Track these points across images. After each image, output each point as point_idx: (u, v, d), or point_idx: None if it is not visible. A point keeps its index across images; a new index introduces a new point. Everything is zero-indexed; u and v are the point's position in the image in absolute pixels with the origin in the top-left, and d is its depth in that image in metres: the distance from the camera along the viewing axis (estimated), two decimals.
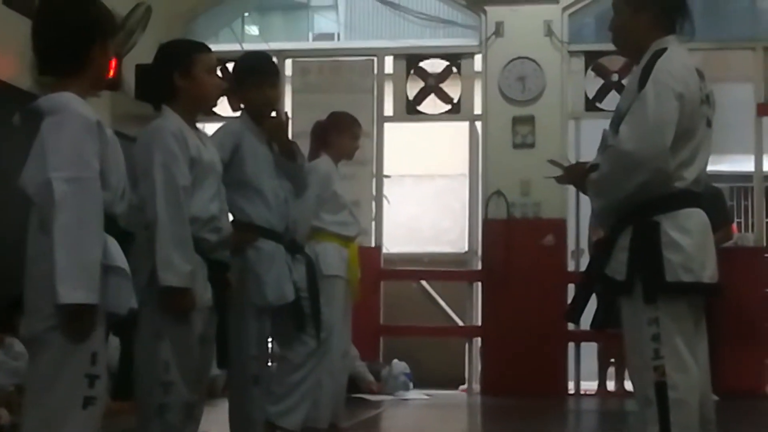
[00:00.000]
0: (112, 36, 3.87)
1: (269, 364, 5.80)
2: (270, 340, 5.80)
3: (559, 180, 4.43)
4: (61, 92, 3.65)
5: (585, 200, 4.39)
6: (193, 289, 4.43)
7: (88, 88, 3.78)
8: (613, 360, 10.34)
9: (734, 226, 10.96)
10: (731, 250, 9.57)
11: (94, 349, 3.53)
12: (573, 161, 4.86)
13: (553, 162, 4.45)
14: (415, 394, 10.19)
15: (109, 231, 3.60)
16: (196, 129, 4.76)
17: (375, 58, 10.89)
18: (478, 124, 10.80)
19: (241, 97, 5.66)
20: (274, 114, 5.64)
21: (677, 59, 3.98)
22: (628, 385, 9.82)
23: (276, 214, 5.45)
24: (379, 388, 9.91)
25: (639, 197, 3.91)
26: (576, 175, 4.27)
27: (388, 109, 10.77)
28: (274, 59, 6.02)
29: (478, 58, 10.74)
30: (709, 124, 4.05)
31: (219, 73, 9.93)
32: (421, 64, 10.85)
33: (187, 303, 4.42)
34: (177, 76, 4.68)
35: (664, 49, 4.00)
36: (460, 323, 11.56)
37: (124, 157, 4.02)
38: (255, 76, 5.62)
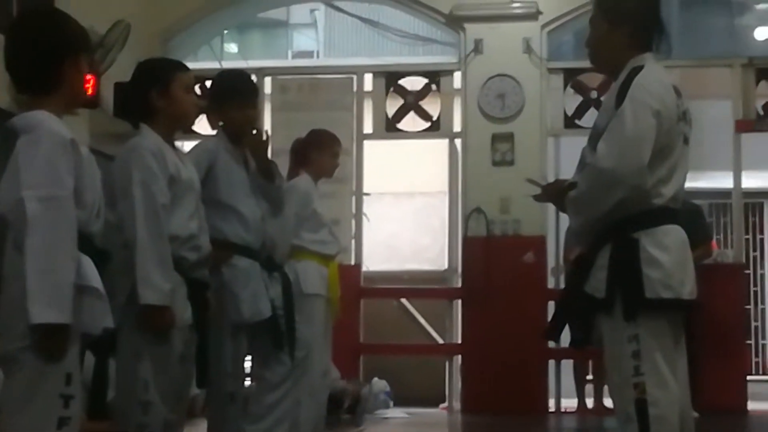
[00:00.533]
0: (86, 53, 3.85)
1: (247, 382, 5.77)
2: (249, 359, 5.78)
3: (538, 198, 4.44)
4: (36, 111, 3.64)
5: (565, 217, 4.39)
6: (173, 308, 4.42)
7: (63, 107, 3.77)
8: (590, 377, 10.33)
9: (714, 242, 10.99)
10: (711, 266, 9.59)
11: (69, 370, 3.51)
12: (551, 179, 4.85)
13: (530, 181, 4.46)
14: (396, 413, 10.17)
15: (85, 250, 3.59)
16: (175, 147, 4.76)
17: (354, 76, 10.88)
18: (458, 142, 10.80)
19: (219, 116, 5.64)
20: (254, 132, 5.63)
21: (654, 76, 3.99)
22: (607, 402, 9.87)
23: (252, 232, 5.44)
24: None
25: (617, 214, 3.91)
26: (554, 193, 4.27)
27: (368, 127, 10.77)
28: (253, 77, 6.02)
29: (457, 76, 10.75)
30: (686, 141, 4.07)
31: (198, 91, 9.95)
32: (401, 81, 10.86)
33: (167, 321, 4.41)
34: (155, 95, 4.68)
35: (641, 67, 4.01)
36: (440, 341, 11.55)
37: (103, 175, 4.01)
38: (234, 95, 5.60)
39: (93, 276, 3.60)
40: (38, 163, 3.49)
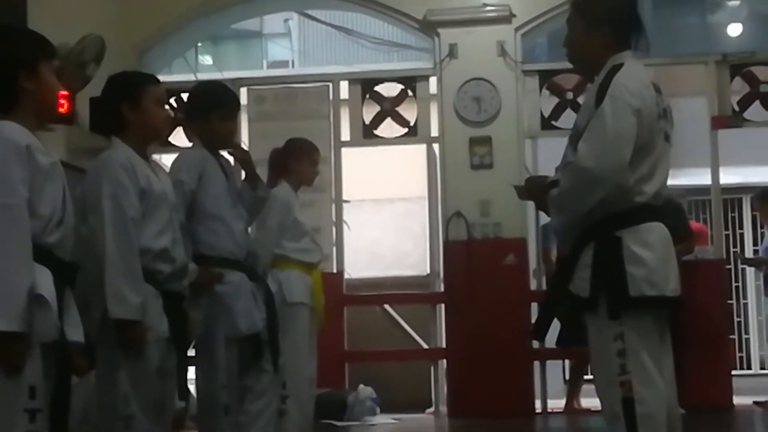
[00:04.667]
0: (46, 63, 3.78)
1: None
2: None
3: (521, 195, 4.44)
4: None
5: (545, 219, 4.40)
6: (145, 321, 4.41)
7: (32, 119, 3.72)
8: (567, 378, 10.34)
9: (706, 234, 11.02)
10: (692, 263, 9.62)
11: (32, 383, 3.48)
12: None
13: (515, 186, 4.48)
14: (383, 419, 10.15)
15: (41, 261, 3.54)
16: (148, 160, 4.74)
17: (330, 84, 10.87)
18: (436, 147, 10.81)
19: (200, 128, 5.61)
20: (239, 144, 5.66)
21: (634, 75, 4.00)
22: (585, 402, 9.89)
23: (239, 243, 5.45)
24: None
25: (600, 213, 3.92)
26: (536, 190, 4.27)
27: (345, 134, 10.76)
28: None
29: (433, 81, 10.76)
30: (667, 138, 4.08)
31: (174, 103, 9.91)
32: (377, 88, 10.85)
33: (139, 335, 4.39)
34: (126, 108, 4.66)
35: (621, 65, 4.02)
36: (425, 346, 11.54)
37: (80, 190, 3.98)
38: (216, 107, 5.57)
39: (44, 286, 3.54)
40: None
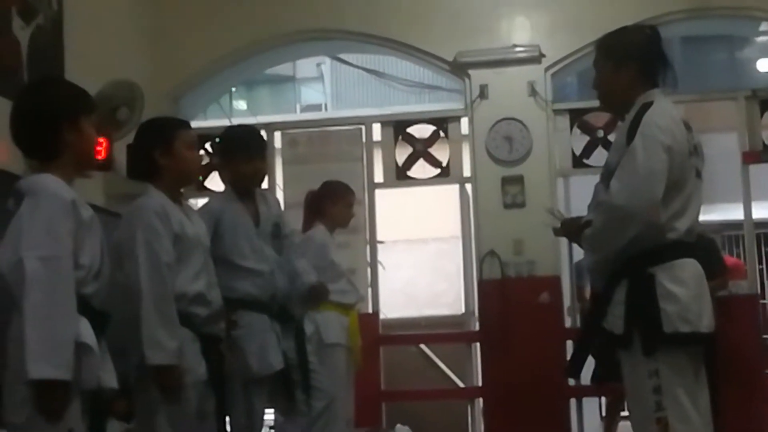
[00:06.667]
0: (86, 116, 3.89)
1: None
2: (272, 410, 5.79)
3: (556, 232, 4.49)
4: (41, 174, 3.73)
5: (578, 257, 4.44)
6: (182, 365, 4.45)
7: (71, 170, 3.84)
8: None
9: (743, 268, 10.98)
10: (726, 298, 9.59)
11: (70, 425, 3.56)
12: (566, 216, 4.88)
13: (550, 211, 4.51)
14: None
15: (80, 310, 3.62)
16: (181, 204, 4.80)
17: (363, 127, 10.92)
18: (468, 186, 10.84)
19: (228, 172, 5.69)
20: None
21: (664, 112, 4.04)
22: None
23: (259, 285, 5.45)
24: None
25: (633, 250, 3.95)
26: (571, 230, 4.32)
27: (378, 176, 10.80)
28: (263, 132, 6.06)
29: (464, 121, 10.79)
30: (698, 174, 4.11)
31: (209, 148, 9.98)
32: (409, 129, 10.88)
33: (176, 379, 4.44)
34: (158, 154, 4.73)
35: (651, 103, 4.05)
36: (461, 385, 11.54)
37: (116, 236, 4.05)
38: (239, 150, 5.62)
39: (87, 334, 3.64)
40: (39, 225, 3.57)
